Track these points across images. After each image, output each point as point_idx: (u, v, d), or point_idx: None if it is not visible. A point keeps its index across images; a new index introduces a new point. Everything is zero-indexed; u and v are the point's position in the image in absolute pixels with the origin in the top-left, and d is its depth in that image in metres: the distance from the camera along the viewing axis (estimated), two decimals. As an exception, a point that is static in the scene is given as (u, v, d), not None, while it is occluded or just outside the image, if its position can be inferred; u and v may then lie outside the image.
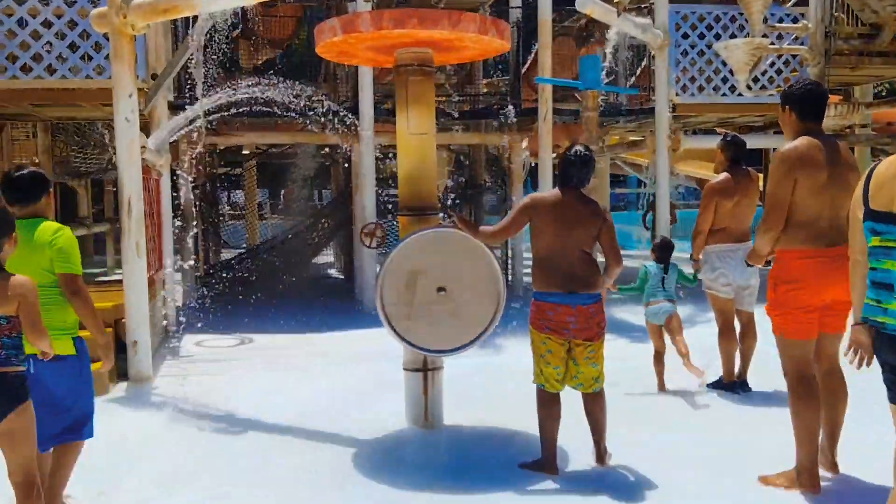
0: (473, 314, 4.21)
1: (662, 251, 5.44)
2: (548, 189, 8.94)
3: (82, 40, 7.11)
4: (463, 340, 4.27)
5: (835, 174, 3.55)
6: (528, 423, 3.98)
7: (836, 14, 9.51)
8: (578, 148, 3.93)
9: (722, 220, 5.33)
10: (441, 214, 4.52)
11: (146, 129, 6.98)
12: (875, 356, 2.69)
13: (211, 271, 10.90)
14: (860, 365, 2.75)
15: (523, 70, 11.33)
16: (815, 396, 3.59)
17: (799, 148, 3.56)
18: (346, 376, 6.04)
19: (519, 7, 9.98)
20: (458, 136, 10.47)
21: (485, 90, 12.37)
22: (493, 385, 5.52)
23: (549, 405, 3.84)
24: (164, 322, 7.51)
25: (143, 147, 5.67)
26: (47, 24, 7.06)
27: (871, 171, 2.69)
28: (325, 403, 5.26)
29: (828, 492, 3.58)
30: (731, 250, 5.32)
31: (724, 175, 5.41)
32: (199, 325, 7.39)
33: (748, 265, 4.15)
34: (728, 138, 5.54)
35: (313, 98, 6.89)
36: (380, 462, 4.11)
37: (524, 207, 3.86)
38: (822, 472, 3.66)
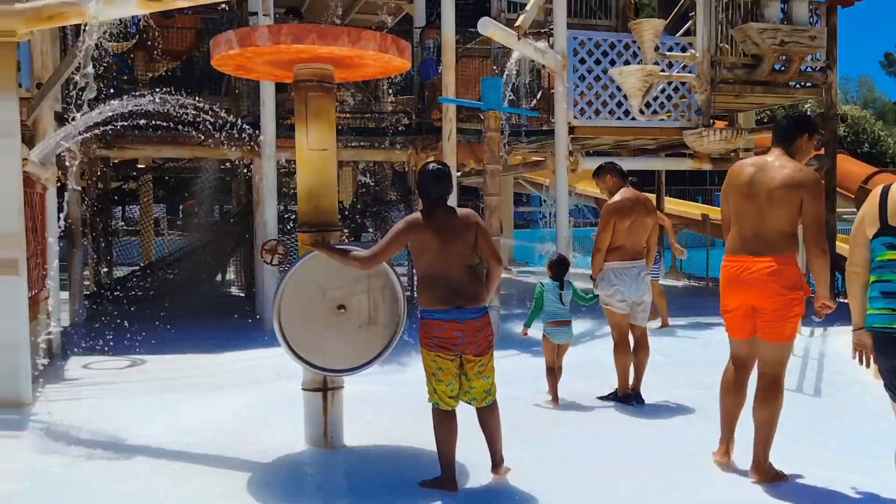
0: (374, 332, 4.19)
1: (558, 268, 5.58)
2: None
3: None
4: (363, 359, 4.24)
5: (761, 188, 3.86)
6: (429, 440, 3.98)
7: (721, 45, 10.09)
8: (432, 164, 3.95)
9: (618, 239, 5.51)
10: (342, 231, 4.48)
11: (31, 140, 6.63)
12: (882, 360, 3.01)
13: (102, 290, 10.40)
14: (864, 363, 3.17)
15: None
16: (733, 392, 4.03)
17: (734, 168, 4.03)
18: (244, 397, 5.87)
19: (423, 27, 10.07)
20: (363, 152, 10.45)
21: (390, 108, 12.41)
22: (394, 403, 5.49)
23: (444, 423, 3.85)
24: (47, 344, 7.09)
25: (25, 159, 5.37)
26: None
27: (885, 192, 2.97)
28: (220, 426, 5.09)
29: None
30: (627, 267, 5.51)
31: (620, 195, 5.61)
32: (88, 346, 7.01)
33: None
34: (610, 164, 5.78)
35: (213, 111, 6.71)
36: (277, 486, 4.00)
37: (399, 232, 3.79)
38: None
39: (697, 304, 10.71)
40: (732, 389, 4.07)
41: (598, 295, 5.64)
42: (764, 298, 3.77)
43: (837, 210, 11.43)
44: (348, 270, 4.05)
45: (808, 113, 12.74)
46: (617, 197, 5.58)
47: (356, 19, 11.26)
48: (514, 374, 6.44)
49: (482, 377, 3.87)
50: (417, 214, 3.85)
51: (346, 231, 8.61)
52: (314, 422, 4.44)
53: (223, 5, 9.71)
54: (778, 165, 3.89)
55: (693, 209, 17.03)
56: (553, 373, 5.60)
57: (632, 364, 5.62)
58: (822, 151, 10.96)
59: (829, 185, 11.01)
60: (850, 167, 14.39)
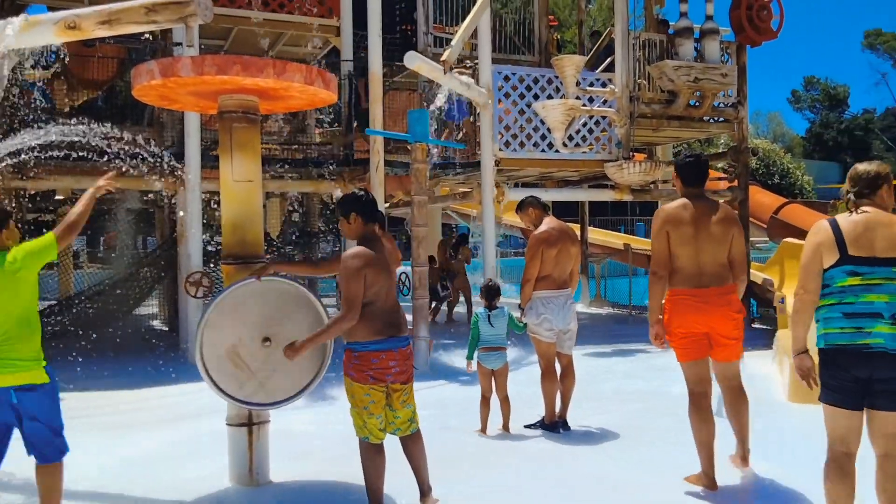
0: (301, 364, 4.16)
1: (487, 293, 5.66)
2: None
3: None
4: (290, 392, 4.20)
5: (701, 227, 4.24)
6: (357, 474, 3.95)
7: (639, 81, 10.53)
8: (354, 189, 4.01)
9: (546, 268, 5.60)
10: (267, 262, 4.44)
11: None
12: (841, 374, 3.21)
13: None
14: (810, 386, 3.38)
15: (355, 124, 11.51)
16: (705, 411, 4.26)
17: (668, 208, 4.32)
18: (166, 434, 5.70)
19: (350, 60, 10.15)
20: (291, 183, 10.39)
21: (318, 139, 12.40)
22: (322, 438, 5.44)
23: (374, 457, 3.83)
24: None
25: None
26: None
27: (836, 226, 3.23)
28: (141, 465, 4.93)
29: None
30: (555, 296, 5.60)
31: (545, 225, 5.73)
32: None
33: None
34: (531, 198, 5.92)
35: (136, 142, 6.58)
36: (200, 524, 3.90)
37: (356, 271, 3.68)
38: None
39: (621, 332, 10.99)
40: (709, 416, 4.27)
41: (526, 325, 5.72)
42: (723, 324, 4.24)
43: (751, 239, 11.96)
44: (272, 302, 4.02)
45: (707, 151, 13.20)
46: (543, 227, 5.70)
47: (283, 51, 11.25)
48: (444, 403, 6.47)
49: (406, 405, 3.88)
50: (361, 250, 3.77)
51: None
52: (239, 458, 4.36)
53: (147, 35, 9.59)
54: (712, 205, 4.35)
55: (615, 239, 17.51)
56: (487, 402, 5.61)
57: (558, 392, 5.71)
58: (736, 182, 11.50)
59: (743, 215, 11.53)
60: (762, 198, 15.12)
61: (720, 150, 17.74)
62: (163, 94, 4.23)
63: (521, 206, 5.90)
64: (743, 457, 4.48)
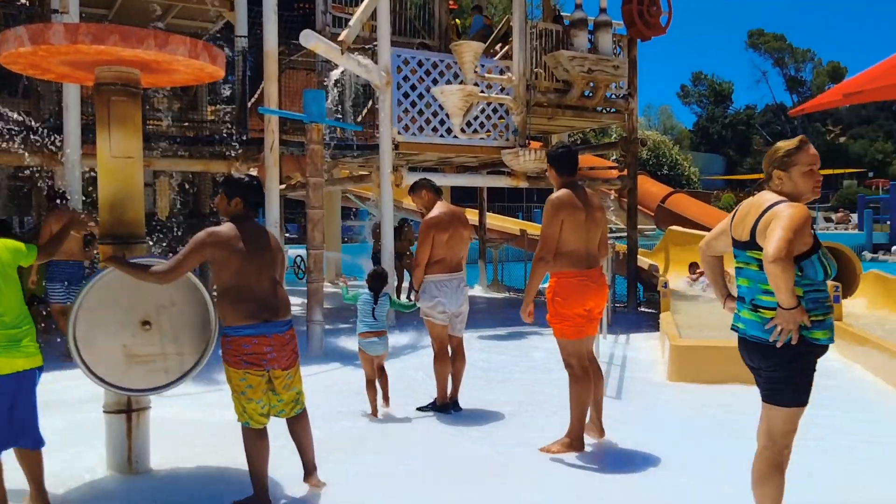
0: (183, 347, 4.03)
1: (374, 281, 5.64)
2: (273, 216, 8.86)
3: None
4: (172, 377, 4.06)
5: (589, 214, 4.61)
6: (241, 459, 3.87)
7: (536, 70, 10.72)
8: (246, 175, 3.90)
9: (438, 252, 5.63)
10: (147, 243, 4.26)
11: None
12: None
13: None
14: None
15: (251, 101, 11.18)
16: (590, 381, 4.69)
17: (561, 196, 4.57)
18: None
19: (245, 36, 9.83)
20: (181, 162, 10.00)
21: (211, 118, 11.98)
22: (204, 424, 5.29)
23: (256, 441, 3.75)
24: None
25: None
26: None
27: (736, 210, 3.29)
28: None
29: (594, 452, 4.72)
30: (447, 279, 5.64)
31: (437, 209, 5.75)
32: None
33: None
34: (424, 181, 5.95)
35: (8, 115, 6.16)
36: (72, 515, 3.72)
37: (200, 244, 3.62)
38: (590, 438, 4.82)
39: (516, 315, 11.21)
40: (591, 381, 4.72)
41: (417, 305, 5.75)
42: (601, 301, 4.72)
43: (639, 227, 12.44)
44: (150, 285, 3.86)
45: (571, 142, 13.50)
46: (434, 212, 5.72)
47: (172, 24, 10.78)
48: (336, 387, 6.43)
49: (290, 388, 3.83)
50: (221, 227, 3.68)
51: (152, 244, 8.19)
52: (117, 446, 4.18)
53: (23, 0, 8.97)
54: (587, 193, 4.74)
55: (512, 224, 17.84)
56: (372, 385, 5.62)
57: (450, 374, 5.78)
58: (626, 172, 11.94)
59: (631, 203, 11.99)
60: (650, 187, 15.78)
61: (612, 140, 18.32)
62: (33, 62, 3.97)
63: (413, 189, 5.91)
64: (600, 428, 4.90)
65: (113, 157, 4.09)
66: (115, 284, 3.86)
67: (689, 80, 73.05)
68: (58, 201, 8.00)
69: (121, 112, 4.08)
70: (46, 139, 8.11)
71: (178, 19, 10.62)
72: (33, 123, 8.28)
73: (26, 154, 8.21)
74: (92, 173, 8.69)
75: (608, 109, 11.89)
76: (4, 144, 7.97)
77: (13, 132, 8.06)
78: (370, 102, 11.90)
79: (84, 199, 8.31)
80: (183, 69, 4.21)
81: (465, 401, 5.82)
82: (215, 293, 3.76)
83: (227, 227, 3.70)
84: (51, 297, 7.82)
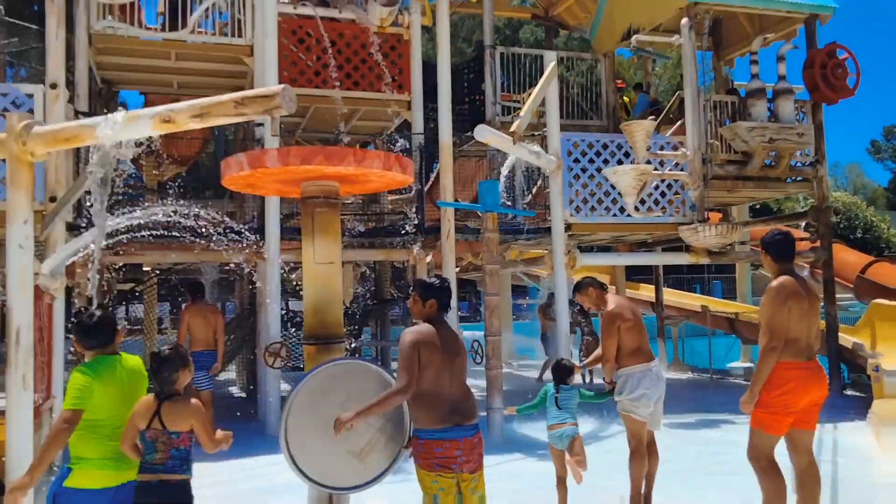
0: (381, 447, 4.18)
1: (556, 372, 5.56)
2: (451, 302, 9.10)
3: (-24, 162, 6.93)
4: (370, 475, 4.21)
5: (811, 302, 4.53)
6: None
7: (711, 142, 10.44)
8: (437, 277, 4.02)
9: (630, 342, 5.44)
10: (348, 342, 4.54)
11: (42, 251, 6.78)
12: None
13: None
14: None
15: (426, 187, 11.74)
16: (782, 476, 4.44)
17: (786, 283, 4.49)
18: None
19: (421, 133, 10.43)
20: (364, 252, 10.62)
21: (389, 207, 12.69)
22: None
23: None
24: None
25: (36, 273, 5.49)
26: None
27: None
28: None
29: None
30: (648, 370, 5.49)
31: (613, 301, 5.68)
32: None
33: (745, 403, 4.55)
34: (589, 279, 5.88)
35: (219, 220, 6.90)
36: None
37: (414, 344, 3.74)
38: None
39: (704, 399, 10.64)
40: (782, 476, 4.47)
41: (609, 394, 5.57)
42: (820, 393, 4.48)
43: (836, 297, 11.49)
44: (354, 384, 4.07)
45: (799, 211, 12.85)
46: (612, 303, 5.64)
47: (357, 126, 11.66)
48: (518, 480, 6.36)
49: (475, 492, 3.85)
50: (421, 328, 3.85)
51: (350, 341, 8.67)
52: (320, 537, 4.37)
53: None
54: (805, 280, 4.67)
55: (692, 300, 17.11)
56: (563, 483, 5.43)
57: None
58: (819, 243, 11.16)
59: (827, 276, 11.15)
60: (847, 256, 14.59)
61: (801, 209, 17.27)
62: (250, 182, 4.44)
63: (579, 288, 5.85)
64: None
65: (317, 264, 4.43)
66: (323, 385, 4.12)
67: (880, 134, 67.59)
68: (199, 296, 8.93)
69: (323, 222, 4.44)
70: (249, 239, 8.94)
71: (362, 121, 11.45)
72: (238, 225, 9.18)
73: (232, 252, 9.07)
74: (285, 270, 9.45)
75: (794, 178, 11.27)
76: (213, 244, 8.88)
77: (220, 233, 8.97)
78: (539, 181, 12.10)
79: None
80: (376, 179, 4.54)
81: (657, 499, 5.54)
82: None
83: (426, 328, 3.86)
84: (198, 386, 8.49)
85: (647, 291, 17.04)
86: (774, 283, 4.55)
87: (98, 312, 3.93)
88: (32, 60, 14.68)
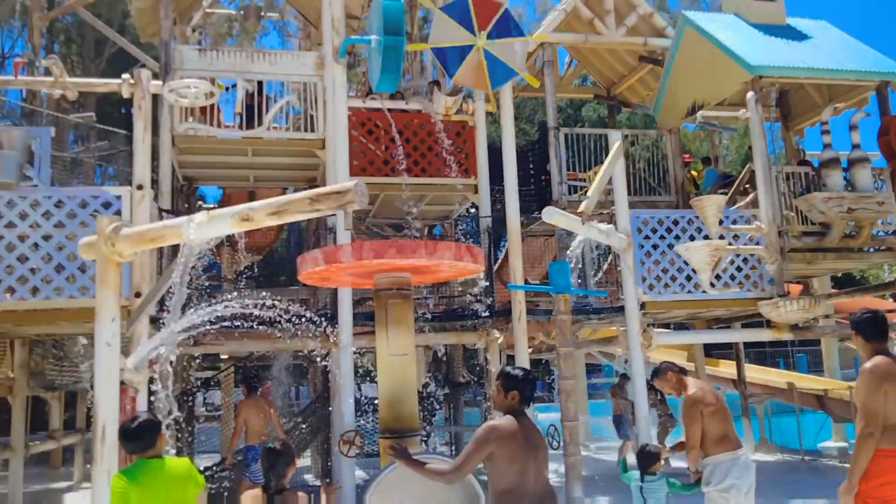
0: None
1: (642, 460, 5.36)
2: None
3: (68, 262, 7.32)
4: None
5: None
6: None
7: (786, 214, 10.18)
8: (518, 368, 3.97)
9: (717, 428, 5.26)
10: (422, 437, 4.50)
11: (126, 346, 7.02)
12: None
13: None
14: None
15: (495, 267, 11.76)
16: None
17: (880, 364, 4.28)
18: None
19: (489, 216, 10.53)
20: (436, 336, 10.62)
21: (459, 290, 12.72)
22: None
23: None
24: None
25: (122, 369, 5.67)
26: (34, 247, 7.30)
27: None
28: None
29: None
30: (736, 458, 5.27)
31: (694, 386, 5.51)
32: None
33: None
34: (667, 364, 5.73)
35: (294, 310, 7.04)
36: None
37: (485, 441, 3.65)
38: None
39: (797, 483, 10.04)
40: None
41: (697, 485, 5.33)
42: None
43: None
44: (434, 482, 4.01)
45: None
46: (693, 387, 5.46)
47: (425, 210, 11.87)
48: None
49: None
50: (502, 421, 3.77)
51: (425, 436, 8.62)
52: None
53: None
54: None
55: (777, 377, 16.38)
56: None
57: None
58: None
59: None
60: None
61: (887, 279, 16.52)
62: (325, 277, 4.56)
63: (658, 373, 5.72)
64: None
65: (390, 356, 4.46)
66: (400, 479, 4.07)
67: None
68: (256, 389, 8.99)
69: (397, 314, 4.49)
70: (322, 326, 9.07)
71: (430, 205, 11.66)
72: (311, 313, 9.34)
73: (306, 340, 9.20)
74: (358, 355, 9.52)
75: (877, 248, 10.83)
76: (287, 333, 9.03)
77: (293, 320, 9.13)
78: (610, 258, 11.97)
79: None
80: (448, 269, 4.59)
81: None
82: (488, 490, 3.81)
83: (507, 422, 3.77)
84: (253, 479, 8.47)
85: (727, 368, 16.42)
86: (868, 364, 4.32)
87: (141, 416, 4.00)
88: (119, 160, 15.62)
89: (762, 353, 25.63)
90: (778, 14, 11.28)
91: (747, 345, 15.44)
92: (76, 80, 7.73)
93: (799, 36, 11.02)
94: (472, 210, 11.92)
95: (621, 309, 9.81)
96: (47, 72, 7.56)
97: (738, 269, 10.43)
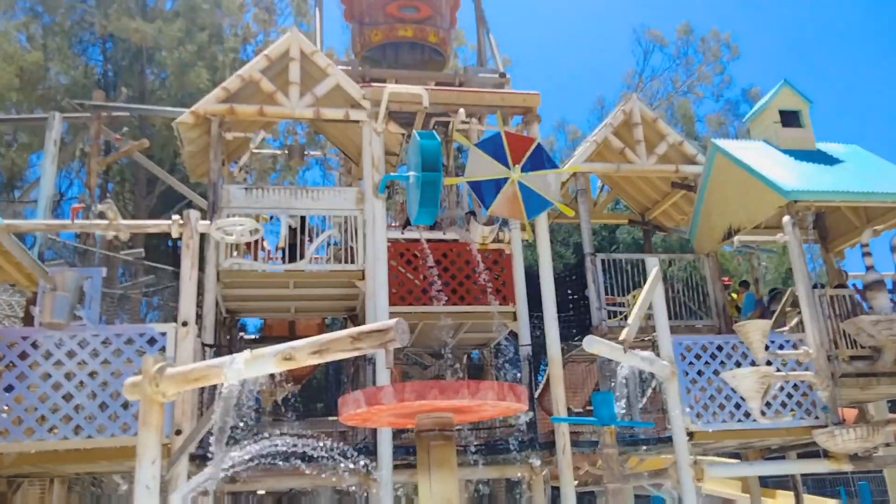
0: None
1: None
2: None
3: (112, 399, 7.39)
4: None
5: None
6: None
7: (833, 338, 9.92)
8: None
9: None
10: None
11: (166, 484, 6.94)
12: None
13: None
14: None
15: (537, 394, 11.54)
16: None
17: None
18: None
19: (529, 345, 10.47)
20: (478, 470, 10.31)
21: (500, 421, 12.46)
22: None
23: None
24: None
25: (161, 512, 5.58)
26: (80, 385, 7.41)
27: None
28: None
29: None
30: None
31: None
32: None
33: None
34: None
35: (333, 448, 6.95)
36: None
37: None
38: None
39: None
40: None
41: None
42: None
43: None
44: None
45: None
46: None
47: (464, 338, 11.85)
48: None
49: None
50: None
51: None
52: None
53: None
54: None
55: (840, 509, 15.43)
56: None
57: None
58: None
59: None
60: None
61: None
62: (366, 418, 4.52)
63: None
64: None
65: (433, 502, 4.33)
66: None
67: None
68: None
69: (439, 456, 4.40)
70: (360, 462, 8.89)
71: (469, 333, 11.65)
72: (349, 448, 9.19)
73: (344, 476, 9.01)
74: (400, 491, 9.26)
75: (934, 370, 10.42)
76: (326, 469, 8.87)
77: (332, 456, 8.98)
78: (654, 384, 11.69)
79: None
80: (491, 408, 4.52)
81: None
82: None
83: None
84: None
85: (785, 500, 15.54)
86: None
87: None
88: (165, 292, 16.04)
89: (821, 482, 24.26)
90: (808, 140, 11.46)
91: (805, 473, 14.66)
92: (129, 223, 8.09)
93: (831, 160, 11.14)
94: (511, 337, 11.86)
95: (669, 439, 9.47)
96: (102, 215, 7.94)
97: (789, 395, 10.09)
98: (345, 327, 12.27)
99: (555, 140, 32.10)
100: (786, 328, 11.00)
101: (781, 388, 10.09)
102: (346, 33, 15.32)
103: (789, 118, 11.55)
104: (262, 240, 11.04)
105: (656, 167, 12.39)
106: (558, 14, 53.51)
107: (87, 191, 13.06)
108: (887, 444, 10.23)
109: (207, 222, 8.47)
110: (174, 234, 7.99)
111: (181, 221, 8.12)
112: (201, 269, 9.80)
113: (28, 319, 9.74)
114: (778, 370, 9.33)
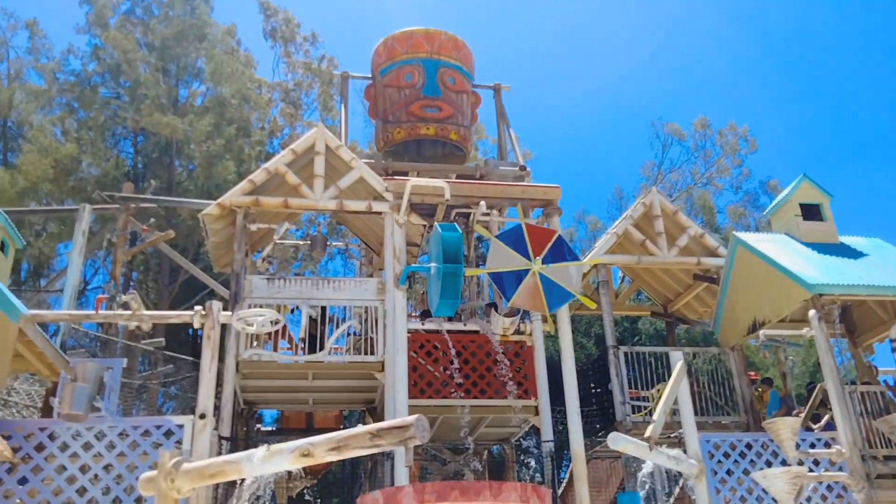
0: None
1: None
2: None
3: (126, 494, 7.25)
4: None
5: None
6: None
7: (866, 436, 9.59)
8: None
9: None
10: None
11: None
12: None
13: None
14: None
15: (560, 491, 11.18)
16: None
17: None
18: None
19: (551, 440, 10.20)
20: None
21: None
22: None
23: None
24: None
25: None
26: (94, 478, 7.29)
27: None
28: None
29: None
30: None
31: None
32: None
33: None
34: None
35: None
36: None
37: None
38: None
39: None
40: None
41: None
42: None
43: None
44: None
45: None
46: None
47: (484, 433, 11.60)
48: None
49: None
50: None
51: None
52: None
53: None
54: None
55: None
56: None
57: None
58: None
59: None
60: None
61: None
62: (386, 525, 4.37)
63: None
64: None
65: None
66: None
67: None
68: None
69: (460, 562, 4.23)
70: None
71: (489, 427, 11.41)
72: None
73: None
74: None
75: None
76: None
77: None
78: (681, 482, 11.27)
79: None
80: (514, 511, 4.36)
81: None
82: None
83: None
84: None
85: None
86: None
87: None
88: (184, 382, 15.97)
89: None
90: (830, 233, 11.43)
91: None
92: (152, 313, 8.13)
93: (854, 254, 11.07)
94: (533, 431, 11.59)
95: (700, 544, 9.05)
96: (125, 305, 8.00)
97: (823, 497, 9.68)
98: (363, 419, 12.10)
99: (575, 231, 32.29)
100: (821, 423, 10.68)
101: (815, 489, 9.69)
102: (370, 127, 15.76)
103: (810, 211, 11.58)
104: (286, 328, 11.04)
105: (677, 259, 12.37)
106: (577, 108, 54.87)
107: (112, 280, 13.23)
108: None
109: (229, 313, 8.49)
110: (196, 325, 8.01)
111: (203, 312, 8.15)
112: (221, 359, 9.77)
113: (47, 410, 9.70)
114: (810, 470, 8.99)
